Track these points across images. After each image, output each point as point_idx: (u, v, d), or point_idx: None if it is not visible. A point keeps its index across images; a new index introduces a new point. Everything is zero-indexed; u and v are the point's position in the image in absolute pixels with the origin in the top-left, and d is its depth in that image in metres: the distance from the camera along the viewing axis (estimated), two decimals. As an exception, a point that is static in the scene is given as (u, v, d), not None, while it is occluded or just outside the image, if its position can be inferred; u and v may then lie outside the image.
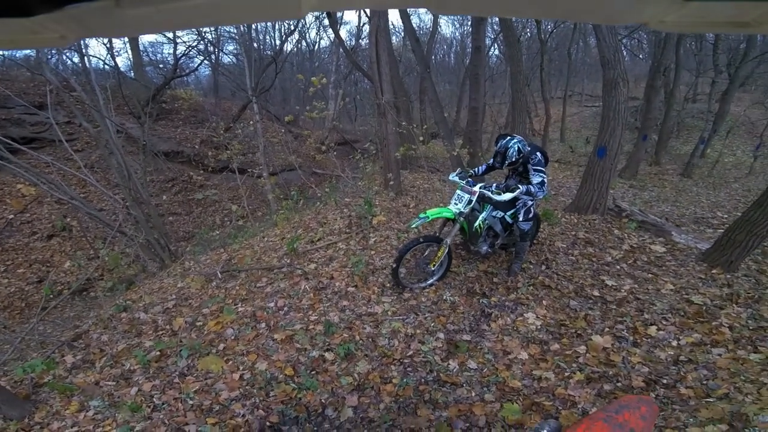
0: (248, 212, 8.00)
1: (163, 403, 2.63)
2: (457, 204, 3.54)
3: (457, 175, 3.75)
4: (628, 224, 5.04)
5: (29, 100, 9.30)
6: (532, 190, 3.45)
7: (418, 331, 3.14)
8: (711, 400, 2.27)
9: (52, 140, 9.42)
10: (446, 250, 3.61)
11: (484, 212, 3.69)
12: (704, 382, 2.42)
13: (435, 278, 3.76)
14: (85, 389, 2.87)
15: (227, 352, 3.06)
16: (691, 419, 2.13)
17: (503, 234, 3.84)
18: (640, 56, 21.48)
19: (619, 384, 2.49)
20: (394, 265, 3.53)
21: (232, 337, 3.22)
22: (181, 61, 14.07)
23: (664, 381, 2.48)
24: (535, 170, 3.50)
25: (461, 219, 3.56)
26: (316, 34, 22.53)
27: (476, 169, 3.90)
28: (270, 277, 4.11)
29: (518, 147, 3.52)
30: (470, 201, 3.49)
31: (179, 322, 3.47)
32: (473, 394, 2.52)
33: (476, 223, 3.64)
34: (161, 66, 16.15)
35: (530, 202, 3.68)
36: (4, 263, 7.70)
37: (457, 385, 2.60)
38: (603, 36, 5.28)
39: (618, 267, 4.02)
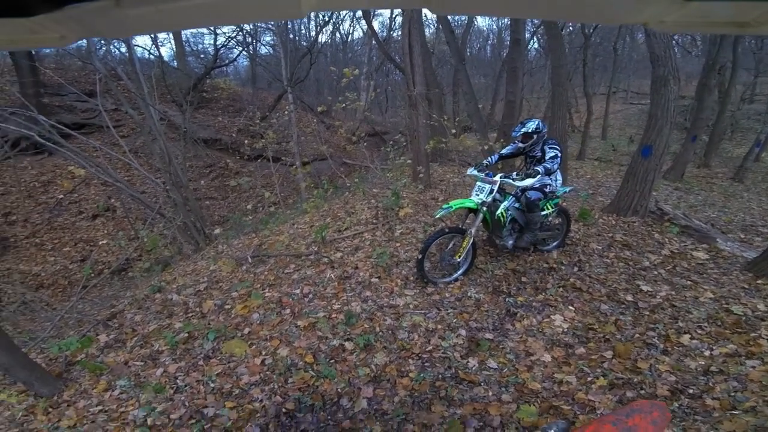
0: (280, 199, 8.18)
1: (185, 385, 2.74)
2: (478, 194, 3.59)
3: (475, 169, 3.81)
4: (669, 228, 4.77)
5: (80, 88, 9.87)
6: (548, 165, 3.58)
7: (439, 327, 3.12)
8: (736, 412, 2.13)
9: (100, 126, 9.94)
10: (471, 241, 3.62)
11: (506, 201, 3.74)
12: (732, 394, 2.28)
13: (460, 272, 3.74)
14: (114, 369, 3.03)
15: (252, 337, 3.15)
16: (712, 431, 2.01)
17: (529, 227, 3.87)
18: (693, 53, 20.12)
19: (642, 392, 2.37)
20: (420, 257, 3.54)
21: (258, 322, 3.31)
22: (221, 51, 14.46)
23: (690, 391, 2.35)
24: (550, 147, 3.68)
25: (483, 209, 3.58)
26: (350, 25, 22.51)
27: (489, 158, 3.92)
28: (297, 264, 4.19)
29: (539, 123, 3.76)
30: (492, 190, 3.54)
31: (209, 305, 3.60)
32: (490, 393, 2.48)
33: (498, 212, 3.67)
34: (202, 56, 16.65)
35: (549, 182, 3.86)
36: (52, 241, 8.25)
37: (475, 383, 2.57)
38: (653, 31, 4.97)
39: (655, 272, 3.81)
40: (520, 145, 3.85)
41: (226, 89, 15.07)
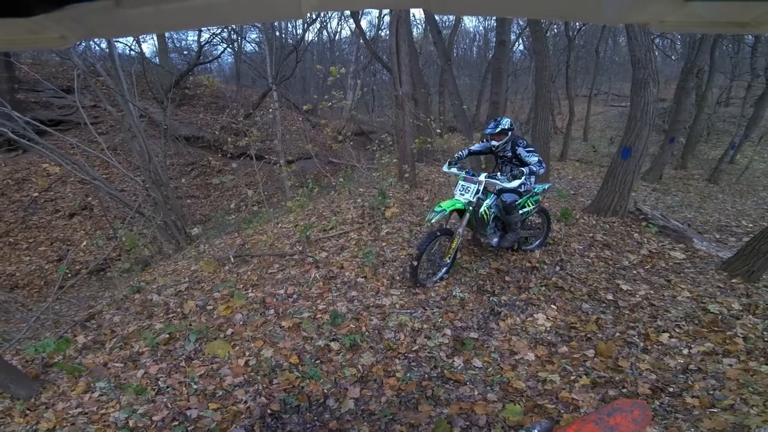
0: (264, 198, 8.09)
1: (167, 387, 2.68)
2: (463, 194, 3.57)
3: (452, 166, 3.83)
4: (648, 228, 4.89)
5: (58, 84, 9.60)
6: (534, 169, 3.59)
7: (425, 326, 3.13)
8: (716, 410, 2.20)
9: (77, 123, 9.67)
10: (459, 241, 3.66)
11: (488, 199, 3.73)
12: (711, 392, 2.35)
13: (445, 270, 3.75)
14: (93, 370, 2.94)
15: (235, 338, 3.10)
16: (693, 429, 2.06)
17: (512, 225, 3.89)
18: (673, 57, 20.73)
19: (624, 390, 2.43)
20: (415, 263, 3.47)
21: (241, 323, 3.26)
22: (205, 48, 14.22)
23: (671, 389, 2.41)
24: (528, 152, 3.67)
25: (470, 209, 3.59)
26: (338, 24, 22.40)
27: (460, 152, 3.98)
28: (281, 264, 4.15)
29: (510, 121, 3.79)
30: (478, 190, 3.54)
31: (190, 306, 3.53)
32: (476, 392, 2.50)
33: (481, 210, 3.66)
34: (185, 53, 16.35)
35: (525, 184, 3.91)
36: (27, 240, 7.99)
37: (461, 382, 2.58)
38: (635, 35, 5.09)
39: (634, 272, 3.90)
40: (493, 143, 3.84)
41: (209, 86, 14.81)
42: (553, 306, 3.35)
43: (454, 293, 3.55)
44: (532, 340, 2.96)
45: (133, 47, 12.54)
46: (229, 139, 11.24)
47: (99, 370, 2.95)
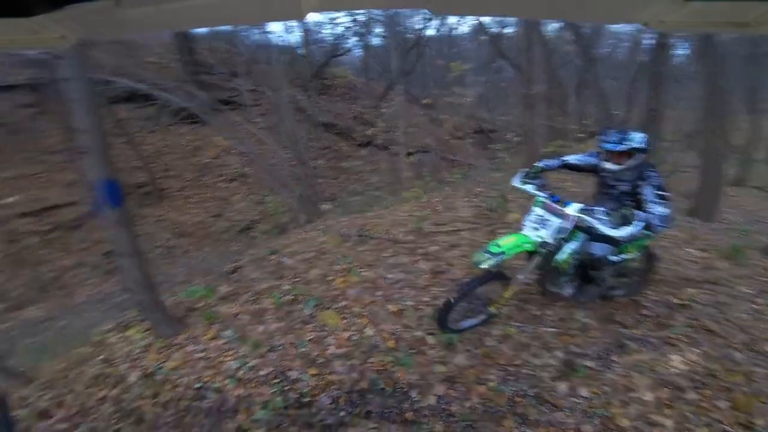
0: (385, 186, 8.52)
1: (280, 345, 2.99)
2: (538, 230, 2.64)
3: (525, 179, 2.84)
4: None
5: (227, 69, 11.42)
6: (654, 222, 2.44)
7: (533, 343, 2.96)
8: None
9: (242, 104, 11.42)
10: (515, 292, 2.88)
11: (573, 243, 2.69)
12: None
13: (481, 320, 3.01)
14: (225, 319, 3.41)
15: (345, 311, 3.34)
16: None
17: (601, 275, 2.87)
18: None
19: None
20: (449, 304, 2.75)
21: (352, 298, 3.51)
22: (338, 41, 15.30)
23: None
24: (657, 195, 2.49)
25: (543, 251, 2.66)
26: (458, 19, 21.74)
27: (546, 162, 2.92)
28: (394, 250, 4.34)
29: (645, 139, 2.58)
30: (561, 229, 2.58)
31: (314, 273, 3.92)
32: (571, 420, 2.31)
33: (562, 258, 2.69)
34: (320, 45, 17.75)
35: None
36: (197, 196, 9.80)
37: (558, 407, 2.41)
38: None
39: (818, 332, 3.08)
40: (608, 166, 2.68)
41: (343, 77, 16.03)
42: (695, 349, 2.86)
43: (575, 316, 3.24)
44: (657, 381, 2.59)
45: (282, 38, 14.17)
46: (359, 129, 12.01)
47: (230, 320, 3.38)
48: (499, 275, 2.82)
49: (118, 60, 8.55)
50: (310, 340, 3.03)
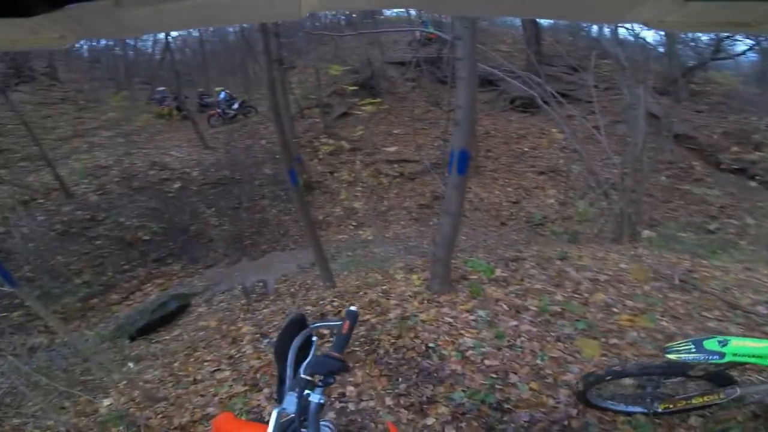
0: (758, 234, 6.18)
1: (520, 347, 2.84)
2: None
3: None
4: None
5: (567, 62, 10.87)
6: None
7: None
8: None
9: (577, 99, 10.76)
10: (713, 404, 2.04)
11: None
12: None
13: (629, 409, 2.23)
14: (486, 299, 3.46)
15: (612, 349, 2.81)
16: None
17: None
18: None
19: None
20: (608, 373, 2.13)
21: (630, 341, 2.87)
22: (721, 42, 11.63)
23: None
24: None
25: None
26: None
27: None
28: (723, 314, 3.15)
29: None
30: None
31: (598, 297, 3.42)
32: None
33: None
34: (692, 43, 13.90)
35: None
36: (504, 180, 10.24)
37: None
38: None
39: None
40: None
41: (720, 84, 12.21)
42: None
43: None
44: None
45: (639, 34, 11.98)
46: (729, 148, 9.01)
47: (489, 302, 3.43)
48: (719, 376, 2.02)
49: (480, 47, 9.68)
50: (552, 357, 2.77)
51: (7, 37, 0.42)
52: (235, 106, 13.19)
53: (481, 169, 10.48)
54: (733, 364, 1.88)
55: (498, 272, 3.98)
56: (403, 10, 16.43)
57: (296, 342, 1.19)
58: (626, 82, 6.71)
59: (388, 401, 2.57)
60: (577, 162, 8.92)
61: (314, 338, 1.25)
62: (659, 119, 8.76)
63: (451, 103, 8.51)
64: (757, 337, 2.11)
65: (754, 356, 1.82)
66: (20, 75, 12.59)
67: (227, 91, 13.62)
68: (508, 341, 2.96)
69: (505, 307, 3.38)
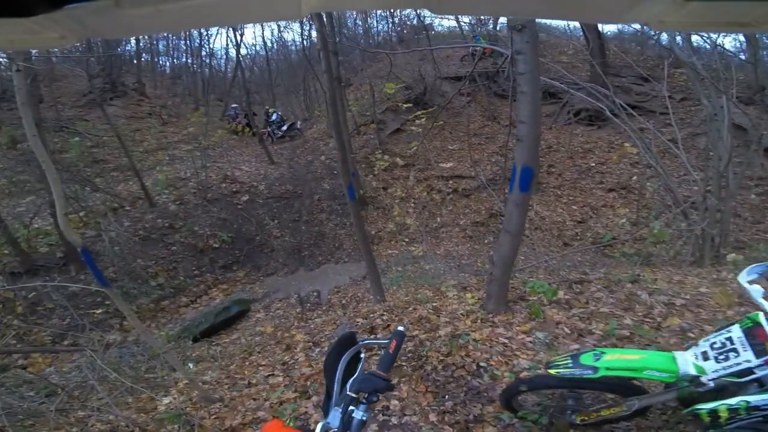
0: None
1: None
2: (707, 358, 1.69)
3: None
4: None
5: (636, 73, 10.12)
6: None
7: None
8: None
9: (649, 110, 9.98)
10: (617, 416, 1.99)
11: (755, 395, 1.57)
12: None
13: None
14: (546, 322, 3.30)
15: None
16: None
17: None
18: None
19: None
20: (521, 385, 2.15)
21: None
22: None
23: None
24: None
25: (688, 388, 1.74)
26: None
27: None
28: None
29: None
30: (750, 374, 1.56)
31: (673, 321, 3.12)
32: None
33: (733, 403, 1.59)
34: None
35: None
36: (567, 197, 9.67)
37: None
38: None
39: None
40: None
41: None
42: None
43: None
44: None
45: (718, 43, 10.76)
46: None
47: (550, 325, 3.26)
48: (619, 386, 2.00)
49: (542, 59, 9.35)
50: None
51: (6, 37, 0.42)
52: (284, 128, 14.09)
53: (543, 186, 10.02)
54: (607, 379, 1.85)
55: (560, 294, 3.79)
56: (455, 25, 16.51)
57: (345, 358, 1.23)
58: (705, 92, 6.11)
59: (432, 417, 2.50)
60: (651, 178, 8.25)
61: (362, 354, 1.29)
62: (746, 131, 7.85)
63: (509, 118, 8.30)
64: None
65: (626, 369, 1.81)
66: (114, 90, 14.10)
67: (279, 113, 14.51)
68: (560, 363, 2.83)
69: (566, 330, 3.22)
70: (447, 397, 2.70)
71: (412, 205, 9.95)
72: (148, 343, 3.65)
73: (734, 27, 0.45)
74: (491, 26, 14.15)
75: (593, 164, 10.32)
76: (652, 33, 12.57)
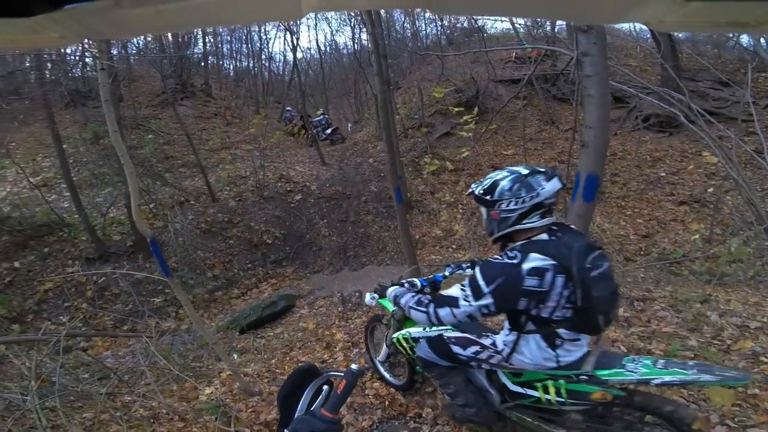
0: None
1: None
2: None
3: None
4: None
5: (714, 77, 9.18)
6: (430, 311, 1.79)
7: None
8: None
9: (730, 117, 9.05)
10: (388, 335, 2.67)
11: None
12: None
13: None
14: (600, 338, 3.08)
15: (749, 399, 2.33)
16: None
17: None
18: None
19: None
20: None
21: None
22: None
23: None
24: (474, 275, 1.70)
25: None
26: None
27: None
28: None
29: (501, 185, 1.73)
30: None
31: (744, 345, 2.86)
32: None
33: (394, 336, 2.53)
34: None
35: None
36: (632, 209, 8.94)
37: None
38: None
39: None
40: None
41: None
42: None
43: None
44: None
45: None
46: None
47: (604, 342, 3.05)
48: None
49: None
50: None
51: (6, 37, 0.42)
52: (328, 131, 14.25)
53: (605, 196, 9.37)
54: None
55: (619, 311, 3.57)
56: (509, 27, 15.95)
57: (308, 390, 1.12)
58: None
59: (465, 429, 2.41)
60: (730, 191, 7.44)
61: (325, 387, 1.14)
62: None
63: (575, 121, 7.85)
64: None
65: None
66: (184, 91, 15.01)
67: (326, 116, 14.74)
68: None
69: (622, 348, 3.03)
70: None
71: (461, 210, 9.74)
72: (199, 332, 3.82)
73: (734, 27, 0.45)
74: (548, 27, 13.51)
75: (663, 174, 9.49)
76: (731, 36, 11.51)
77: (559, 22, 11.27)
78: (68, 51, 11.04)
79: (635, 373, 1.60)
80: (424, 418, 2.59)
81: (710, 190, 8.46)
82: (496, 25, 19.92)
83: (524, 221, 1.69)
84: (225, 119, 15.13)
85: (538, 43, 12.12)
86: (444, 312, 1.73)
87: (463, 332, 2.07)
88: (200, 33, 16.44)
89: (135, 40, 14.77)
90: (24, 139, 12.19)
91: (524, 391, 1.90)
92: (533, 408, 1.92)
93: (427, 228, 9.43)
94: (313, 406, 1.09)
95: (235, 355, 4.29)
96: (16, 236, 7.22)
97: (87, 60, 11.93)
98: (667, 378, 1.54)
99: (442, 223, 9.22)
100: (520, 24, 13.10)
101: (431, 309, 1.77)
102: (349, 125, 16.00)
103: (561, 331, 1.66)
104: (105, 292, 6.72)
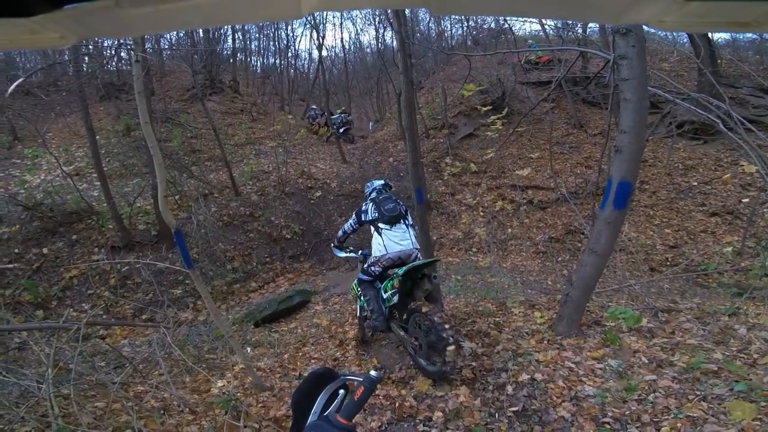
0: None
1: (652, 401, 2.48)
2: None
3: None
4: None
5: (755, 83, 8.74)
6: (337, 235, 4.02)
7: None
8: None
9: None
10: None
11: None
12: None
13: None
14: (623, 350, 3.04)
15: None
16: None
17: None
18: None
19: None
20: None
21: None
22: None
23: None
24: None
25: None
26: None
27: None
28: None
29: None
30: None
31: (762, 360, 2.73)
32: None
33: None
34: None
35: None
36: (661, 218, 8.61)
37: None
38: None
39: None
40: None
41: None
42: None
43: None
44: None
45: None
46: None
47: (626, 353, 3.02)
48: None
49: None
50: (689, 416, 2.30)
51: (6, 37, 0.42)
52: (342, 130, 14.23)
53: (632, 204, 9.04)
54: None
55: (643, 322, 3.47)
56: (538, 28, 15.57)
57: (324, 394, 1.08)
58: None
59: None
60: (766, 204, 7.09)
61: (341, 391, 1.11)
62: None
63: (608, 126, 7.61)
64: None
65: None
66: (213, 86, 15.35)
67: (344, 115, 14.73)
68: (639, 395, 2.57)
69: (644, 359, 2.95)
70: (498, 415, 2.61)
71: (482, 213, 9.60)
72: (217, 324, 3.85)
73: (734, 27, 0.45)
74: (580, 30, 13.13)
75: (695, 183, 9.10)
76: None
77: (591, 24, 10.96)
78: (105, 44, 11.41)
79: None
80: (434, 422, 2.56)
81: (745, 200, 8.07)
82: (525, 26, 19.53)
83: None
84: (251, 115, 15.39)
85: (570, 46, 11.80)
86: (339, 232, 3.90)
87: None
88: (230, 30, 16.67)
89: (168, 35, 15.18)
90: (59, 130, 12.72)
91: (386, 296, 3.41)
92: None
93: (445, 229, 9.33)
94: (328, 410, 1.06)
95: (249, 349, 4.33)
96: (47, 222, 7.51)
97: (122, 54, 12.32)
98: None
99: (461, 225, 9.11)
100: (550, 26, 12.80)
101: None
102: (371, 124, 16.01)
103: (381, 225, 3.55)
104: (127, 281, 6.92)
